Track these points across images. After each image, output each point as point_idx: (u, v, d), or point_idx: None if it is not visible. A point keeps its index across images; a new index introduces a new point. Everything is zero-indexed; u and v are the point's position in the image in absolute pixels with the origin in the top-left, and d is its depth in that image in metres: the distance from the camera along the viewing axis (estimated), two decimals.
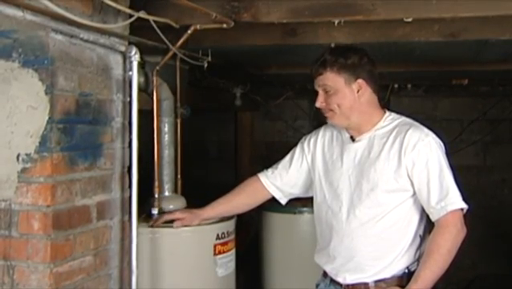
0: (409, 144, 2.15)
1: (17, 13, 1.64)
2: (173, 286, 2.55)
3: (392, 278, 2.18)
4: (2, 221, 1.89)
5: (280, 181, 2.53)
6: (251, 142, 6.22)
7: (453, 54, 3.64)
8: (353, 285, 2.23)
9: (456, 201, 2.12)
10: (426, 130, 2.23)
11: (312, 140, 2.47)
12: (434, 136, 2.22)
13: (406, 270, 2.18)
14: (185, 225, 2.56)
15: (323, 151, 2.40)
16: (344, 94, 2.22)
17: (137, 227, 2.29)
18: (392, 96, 5.80)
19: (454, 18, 2.61)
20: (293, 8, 2.46)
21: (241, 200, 2.64)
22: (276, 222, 4.03)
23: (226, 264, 2.69)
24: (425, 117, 5.79)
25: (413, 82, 5.53)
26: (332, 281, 2.30)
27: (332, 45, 2.84)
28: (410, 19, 2.53)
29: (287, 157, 2.54)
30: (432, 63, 4.17)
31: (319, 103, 2.26)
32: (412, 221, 2.20)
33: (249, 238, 4.75)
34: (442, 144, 2.24)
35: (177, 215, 2.56)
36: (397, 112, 2.36)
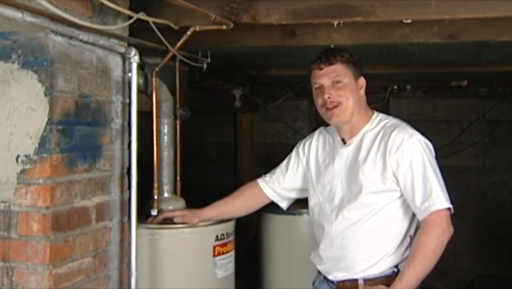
0: (393, 146, 2.18)
1: (16, 14, 1.64)
2: (173, 288, 2.55)
3: (381, 277, 2.20)
4: (1, 222, 1.89)
5: (278, 185, 2.57)
6: (251, 143, 6.22)
7: (452, 56, 3.64)
8: (343, 281, 2.27)
9: (439, 202, 2.12)
10: (411, 130, 2.23)
11: (307, 144, 2.50)
12: (420, 136, 2.23)
13: (395, 270, 2.19)
14: (185, 223, 2.57)
15: (317, 154, 2.44)
16: (352, 88, 2.25)
17: (137, 228, 2.29)
18: (391, 98, 5.81)
19: (453, 20, 2.61)
20: (292, 9, 2.46)
21: (240, 203, 2.66)
22: (275, 224, 4.03)
23: (226, 265, 2.69)
24: (425, 118, 5.84)
25: (413, 83, 5.54)
26: (325, 278, 2.35)
27: (332, 46, 2.85)
28: (409, 21, 2.54)
29: (284, 162, 2.58)
30: (432, 64, 4.17)
31: (328, 94, 2.22)
32: (402, 222, 2.22)
33: (248, 240, 4.75)
34: (430, 144, 2.25)
35: (178, 213, 2.59)
36: (385, 113, 2.39)
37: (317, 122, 2.49)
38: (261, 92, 5.68)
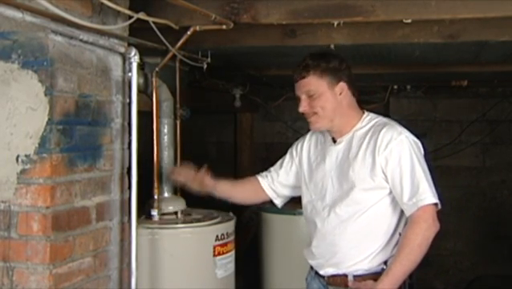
0: (382, 143, 2.22)
1: (16, 14, 1.64)
2: (173, 288, 2.55)
3: (371, 273, 2.24)
4: (1, 222, 1.89)
5: (272, 182, 2.63)
6: (251, 143, 6.22)
7: (452, 56, 3.64)
8: (333, 277, 2.32)
9: (426, 197, 2.16)
10: (400, 128, 2.28)
11: (299, 145, 2.58)
12: (408, 134, 2.27)
13: (384, 266, 2.24)
14: (203, 187, 2.61)
15: (309, 154, 2.51)
16: (327, 97, 2.30)
17: (137, 228, 2.29)
18: (391, 97, 5.81)
19: (453, 20, 2.61)
20: (292, 9, 2.46)
21: (248, 188, 2.70)
22: (276, 224, 4.03)
23: (226, 265, 2.69)
24: (425, 118, 5.84)
25: (413, 83, 5.53)
26: (316, 274, 2.41)
27: (332, 46, 2.86)
28: (409, 20, 2.54)
29: (278, 162, 2.66)
30: (432, 64, 4.17)
31: (303, 108, 2.33)
32: (391, 219, 2.27)
33: (248, 240, 4.75)
34: (418, 142, 2.28)
35: (199, 175, 2.63)
36: (375, 113, 2.42)
37: None
38: (261, 92, 5.67)
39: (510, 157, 5.86)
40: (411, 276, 2.21)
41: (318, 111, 2.30)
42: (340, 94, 2.32)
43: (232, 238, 2.76)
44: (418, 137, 2.29)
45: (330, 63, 2.32)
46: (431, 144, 5.85)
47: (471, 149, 5.85)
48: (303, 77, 2.31)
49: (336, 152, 2.35)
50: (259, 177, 2.66)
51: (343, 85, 2.32)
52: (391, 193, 2.24)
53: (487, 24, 2.75)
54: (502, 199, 5.91)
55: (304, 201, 2.48)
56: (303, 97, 2.33)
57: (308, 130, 2.63)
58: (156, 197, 2.69)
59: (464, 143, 5.82)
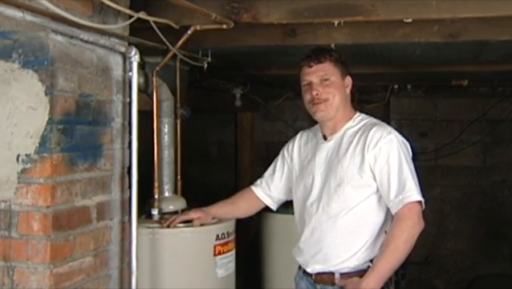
0: (372, 141, 2.27)
1: (17, 14, 1.64)
2: (173, 287, 2.55)
3: (357, 271, 2.27)
4: (1, 221, 1.89)
5: (267, 188, 2.68)
6: (251, 143, 6.22)
7: (452, 55, 3.64)
8: (320, 274, 2.35)
9: (412, 194, 2.20)
10: (389, 129, 2.34)
11: (290, 145, 2.62)
12: (397, 134, 2.32)
13: (370, 264, 2.26)
14: (202, 224, 2.61)
15: (300, 152, 2.55)
16: (339, 86, 2.37)
17: (137, 228, 2.29)
18: (391, 97, 5.80)
19: (454, 19, 2.61)
20: (293, 9, 2.47)
21: (242, 204, 2.75)
22: (276, 223, 4.02)
23: (226, 265, 2.69)
24: (425, 118, 5.84)
25: (413, 82, 5.53)
26: (304, 272, 2.44)
27: (332, 45, 2.86)
28: (410, 20, 2.54)
29: (271, 166, 2.70)
30: (432, 63, 4.17)
31: (316, 91, 2.34)
32: (377, 217, 2.30)
33: (248, 240, 4.75)
34: (407, 143, 2.34)
35: (192, 215, 2.63)
36: (367, 114, 2.47)
37: (316, 121, 2.51)
38: (261, 92, 5.67)
39: (511, 157, 5.86)
40: (396, 273, 2.25)
41: (330, 98, 2.34)
42: (347, 87, 2.40)
43: (232, 237, 2.76)
44: (408, 140, 2.34)
45: (341, 56, 2.41)
46: (431, 143, 5.86)
47: (471, 149, 5.85)
48: (320, 62, 2.35)
49: (327, 149, 2.39)
50: (253, 188, 2.71)
51: (350, 79, 2.41)
52: (378, 191, 2.27)
53: (488, 24, 2.75)
54: (503, 199, 5.90)
55: (295, 197, 2.52)
56: (316, 81, 2.35)
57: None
58: (156, 196, 2.69)
59: (464, 142, 5.82)
